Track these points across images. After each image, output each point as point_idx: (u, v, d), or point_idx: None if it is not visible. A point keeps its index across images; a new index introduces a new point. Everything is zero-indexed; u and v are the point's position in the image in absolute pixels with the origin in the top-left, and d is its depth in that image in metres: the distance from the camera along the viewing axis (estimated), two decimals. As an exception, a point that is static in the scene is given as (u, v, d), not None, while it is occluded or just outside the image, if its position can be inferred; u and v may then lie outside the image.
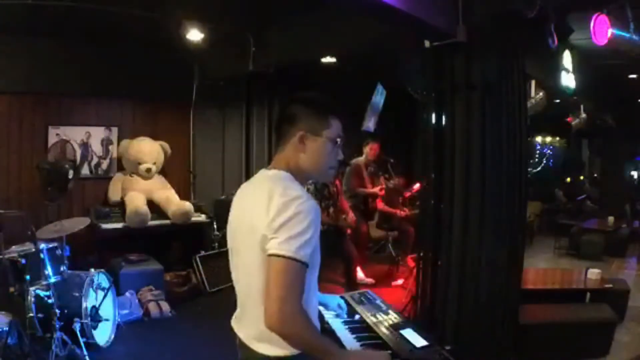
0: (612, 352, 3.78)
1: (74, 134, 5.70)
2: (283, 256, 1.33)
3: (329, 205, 4.73)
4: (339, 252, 5.09)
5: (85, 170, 5.78)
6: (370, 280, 5.87)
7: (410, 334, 1.90)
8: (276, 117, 1.61)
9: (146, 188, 5.68)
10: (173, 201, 5.68)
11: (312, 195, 4.60)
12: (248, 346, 1.50)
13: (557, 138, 13.93)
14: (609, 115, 8.87)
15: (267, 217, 1.37)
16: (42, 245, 3.47)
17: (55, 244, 3.65)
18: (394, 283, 5.89)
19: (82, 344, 3.46)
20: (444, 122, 3.50)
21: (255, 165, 6.89)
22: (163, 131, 6.19)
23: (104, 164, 5.94)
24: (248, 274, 1.47)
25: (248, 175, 6.85)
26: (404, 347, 1.82)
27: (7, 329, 3.15)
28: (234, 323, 1.61)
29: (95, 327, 3.69)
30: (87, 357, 3.43)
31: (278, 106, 7.19)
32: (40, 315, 3.39)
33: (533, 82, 5.46)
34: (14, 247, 3.56)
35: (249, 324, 1.49)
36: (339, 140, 1.56)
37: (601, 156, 11.73)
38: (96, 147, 5.88)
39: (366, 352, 1.75)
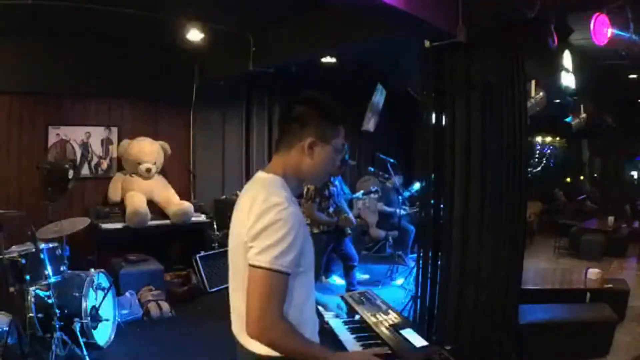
0: (612, 352, 3.78)
1: (74, 134, 5.70)
2: (260, 267, 1.34)
3: (329, 205, 4.72)
4: (338, 252, 5.09)
5: (85, 170, 5.78)
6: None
7: (410, 334, 1.90)
8: (282, 113, 1.57)
9: (146, 188, 5.69)
10: (173, 201, 5.68)
11: (313, 194, 4.60)
12: (242, 344, 1.51)
13: (557, 138, 13.93)
14: (609, 115, 8.86)
15: (247, 222, 1.39)
16: (42, 245, 3.47)
17: (55, 244, 3.65)
18: (393, 283, 5.89)
19: (82, 344, 3.46)
20: (444, 122, 3.50)
21: (255, 165, 6.91)
22: (163, 131, 6.20)
23: (104, 164, 5.95)
24: (237, 277, 1.49)
25: (248, 175, 6.86)
26: (404, 347, 1.82)
27: (7, 329, 3.15)
28: (232, 323, 1.62)
29: (95, 327, 3.69)
30: (87, 357, 3.43)
31: (279, 105, 7.21)
32: (40, 315, 3.40)
33: (533, 82, 5.46)
34: (14, 247, 3.57)
35: (241, 323, 1.50)
36: (342, 148, 1.57)
37: (601, 156, 11.72)
38: (96, 147, 5.88)
39: (349, 353, 1.75)
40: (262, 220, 1.36)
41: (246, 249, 1.39)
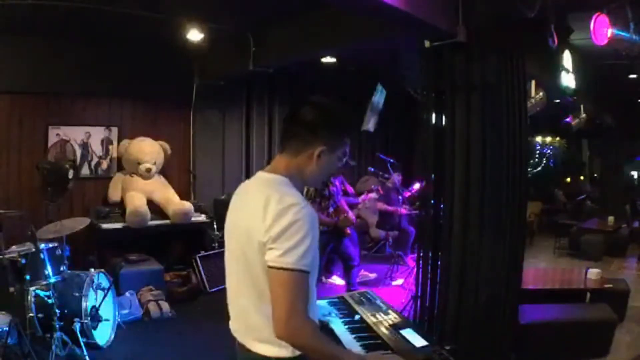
0: (612, 352, 3.78)
1: (74, 134, 5.70)
2: (286, 269, 1.33)
3: (329, 206, 4.72)
4: (338, 252, 5.09)
5: (85, 170, 5.78)
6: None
7: (410, 334, 1.90)
8: (290, 115, 1.55)
9: (146, 188, 5.68)
10: (173, 201, 5.68)
11: (313, 194, 4.60)
12: (247, 347, 1.50)
13: (557, 138, 13.93)
14: (609, 115, 8.87)
15: (264, 223, 1.37)
16: (42, 245, 3.47)
17: (55, 244, 3.65)
18: (394, 283, 5.89)
19: (82, 344, 3.46)
20: (444, 122, 3.50)
21: (255, 165, 6.90)
22: (163, 131, 6.19)
23: (104, 164, 5.94)
24: (245, 277, 1.47)
25: (248, 176, 6.85)
26: (404, 347, 1.82)
27: (7, 329, 3.15)
28: (231, 325, 1.61)
29: (95, 327, 3.69)
30: (87, 357, 3.43)
31: (279, 105, 7.21)
32: (40, 315, 3.39)
33: (533, 82, 5.46)
34: (14, 247, 3.56)
35: (250, 327, 1.49)
36: (343, 156, 1.58)
37: (601, 156, 11.73)
38: (96, 147, 5.88)
39: (377, 355, 1.73)
40: (281, 221, 1.35)
41: (262, 250, 1.38)
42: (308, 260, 1.35)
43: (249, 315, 1.48)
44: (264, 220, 1.37)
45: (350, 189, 6.13)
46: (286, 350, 1.42)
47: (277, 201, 1.38)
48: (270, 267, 1.36)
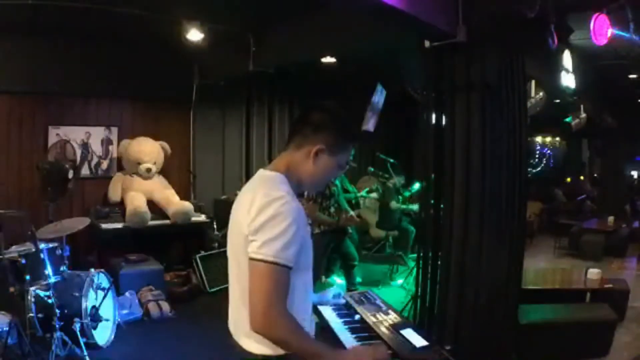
0: (612, 352, 3.78)
1: (74, 134, 5.70)
2: (263, 260, 1.33)
3: (330, 205, 4.72)
4: (339, 251, 5.09)
5: (85, 170, 5.79)
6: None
7: (410, 334, 1.90)
8: (299, 115, 1.61)
9: (146, 188, 5.69)
10: (173, 201, 5.68)
11: (314, 194, 4.59)
12: (239, 344, 1.51)
13: (557, 138, 13.94)
14: (609, 115, 8.86)
15: (249, 216, 1.39)
16: (42, 245, 3.47)
17: (55, 244, 3.65)
18: (393, 283, 5.89)
19: (82, 344, 3.46)
20: (444, 122, 3.50)
21: (255, 165, 6.90)
22: (163, 131, 6.19)
23: (104, 164, 5.95)
24: (237, 274, 1.49)
25: (248, 175, 6.85)
26: (404, 347, 1.82)
27: (7, 329, 3.16)
28: (229, 323, 1.62)
29: (95, 327, 3.69)
30: (87, 357, 3.43)
31: (279, 105, 7.21)
32: (40, 315, 3.39)
33: (533, 82, 5.46)
34: (14, 247, 3.57)
35: (240, 322, 1.50)
36: (346, 165, 1.60)
37: (601, 156, 11.72)
38: (96, 147, 5.88)
39: (354, 348, 1.73)
40: (263, 213, 1.36)
41: (247, 243, 1.39)
42: (289, 253, 1.35)
43: (239, 310, 1.49)
44: (249, 213, 1.39)
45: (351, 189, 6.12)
46: (270, 349, 1.41)
47: (263, 194, 1.40)
48: (249, 258, 1.36)
